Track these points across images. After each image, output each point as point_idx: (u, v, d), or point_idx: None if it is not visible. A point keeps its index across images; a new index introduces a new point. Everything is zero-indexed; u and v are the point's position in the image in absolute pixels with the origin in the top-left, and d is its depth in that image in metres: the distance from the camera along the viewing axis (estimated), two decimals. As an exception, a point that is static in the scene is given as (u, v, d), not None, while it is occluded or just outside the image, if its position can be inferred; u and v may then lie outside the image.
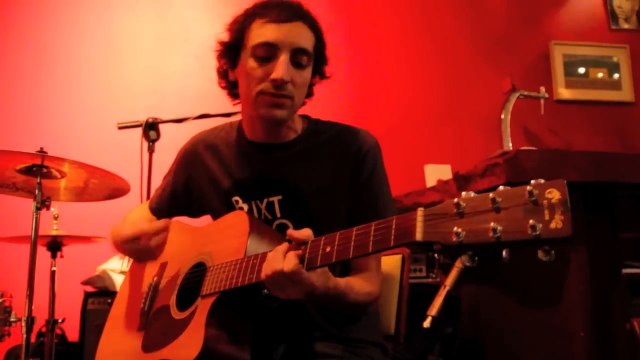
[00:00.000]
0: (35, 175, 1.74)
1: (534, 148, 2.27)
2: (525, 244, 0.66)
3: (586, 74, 3.54)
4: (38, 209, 1.69)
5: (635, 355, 1.76)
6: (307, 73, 1.20)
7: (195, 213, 1.41)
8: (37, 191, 1.71)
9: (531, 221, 0.65)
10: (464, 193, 0.73)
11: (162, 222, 1.32)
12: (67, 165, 1.78)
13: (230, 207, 1.26)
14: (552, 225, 0.65)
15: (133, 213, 1.51)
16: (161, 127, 2.14)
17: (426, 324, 1.64)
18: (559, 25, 3.59)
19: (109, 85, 3.07)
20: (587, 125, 3.44)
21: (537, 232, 0.65)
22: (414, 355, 1.75)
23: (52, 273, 2.21)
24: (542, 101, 3.15)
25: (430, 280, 2.27)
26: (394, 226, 0.80)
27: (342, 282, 1.06)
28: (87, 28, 3.11)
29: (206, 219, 1.40)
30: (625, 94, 3.56)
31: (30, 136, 2.76)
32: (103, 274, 2.42)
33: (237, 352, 1.04)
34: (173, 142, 2.71)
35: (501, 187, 0.71)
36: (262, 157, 1.26)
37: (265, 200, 1.23)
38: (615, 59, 3.58)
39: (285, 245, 0.97)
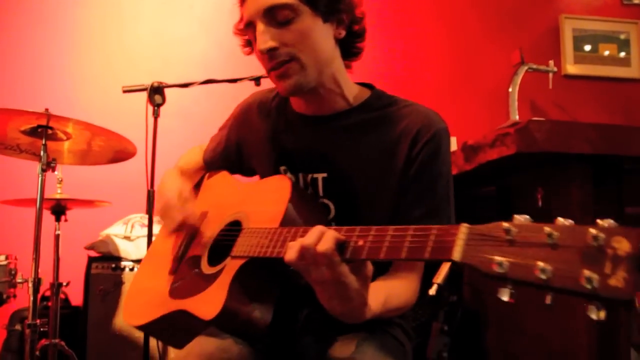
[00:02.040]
0: (40, 136, 1.73)
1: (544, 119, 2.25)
2: (574, 294, 0.58)
3: (595, 50, 3.49)
4: (43, 170, 1.68)
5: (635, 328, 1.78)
6: (299, 24, 1.05)
7: (246, 172, 1.36)
8: (42, 152, 1.69)
9: (587, 272, 0.56)
10: (517, 217, 0.65)
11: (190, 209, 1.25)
12: (71, 126, 1.76)
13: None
14: (612, 282, 0.55)
15: (186, 159, 1.45)
16: (166, 93, 2.12)
17: (432, 291, 1.64)
18: (570, -2, 3.53)
19: (112, 50, 3.03)
20: (593, 101, 3.41)
21: (592, 286, 0.56)
22: (418, 322, 1.76)
23: (57, 237, 2.20)
24: (550, 75, 3.11)
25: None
26: (432, 237, 0.73)
27: (380, 300, 0.95)
28: (90, -9, 3.06)
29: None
30: (633, 71, 3.52)
31: (34, 100, 2.72)
32: (107, 239, 2.42)
33: (258, 321, 1.01)
34: (178, 108, 2.72)
35: (561, 220, 0.61)
36: (308, 130, 1.17)
37: (309, 176, 1.15)
38: (625, 35, 3.53)
39: (323, 227, 0.86)
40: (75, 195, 2.23)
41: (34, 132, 1.76)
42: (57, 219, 2.22)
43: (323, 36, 1.08)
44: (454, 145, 2.92)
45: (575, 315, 1.71)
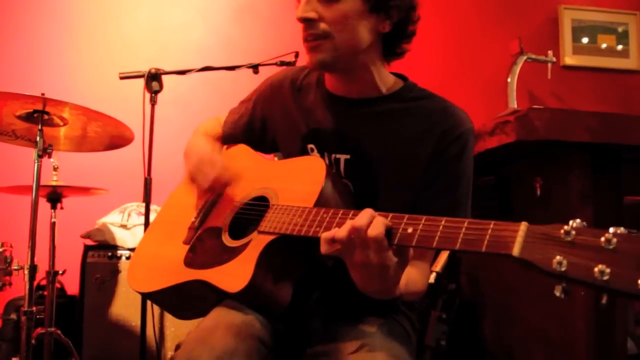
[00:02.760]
0: (36, 122, 1.71)
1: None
2: (631, 297, 0.63)
3: (594, 41, 3.48)
4: (40, 156, 1.66)
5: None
6: (344, 5, 1.05)
7: (267, 149, 1.35)
8: (38, 138, 1.67)
9: None
10: (573, 222, 0.69)
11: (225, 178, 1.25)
12: (68, 111, 1.73)
13: (305, 153, 1.20)
14: None
15: (207, 128, 1.41)
16: (163, 80, 2.09)
17: (431, 279, 1.64)
18: (570, -12, 3.52)
19: (109, 36, 3.00)
20: (591, 92, 3.40)
21: None
22: (417, 310, 1.76)
23: (52, 225, 2.19)
24: (549, 65, 3.10)
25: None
26: (490, 231, 0.75)
27: (403, 280, 0.97)
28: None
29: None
30: (632, 62, 3.51)
31: (30, 86, 2.69)
32: (103, 227, 2.41)
33: (279, 298, 1.02)
34: (175, 96, 2.70)
35: (619, 229, 0.66)
36: (336, 111, 1.18)
37: (333, 156, 1.16)
38: (624, 26, 3.52)
39: (373, 211, 0.88)
40: (71, 183, 2.21)
41: (29, 118, 1.74)
42: (53, 207, 2.20)
43: (364, 25, 1.08)
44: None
45: (573, 304, 1.72)
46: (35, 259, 1.76)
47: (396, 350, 1.02)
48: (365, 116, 1.15)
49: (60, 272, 2.17)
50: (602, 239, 0.65)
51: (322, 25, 1.06)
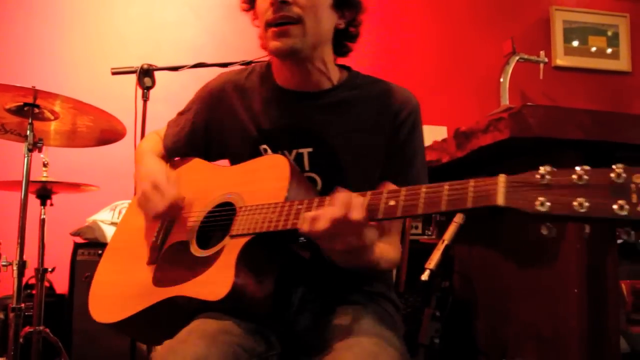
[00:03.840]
0: (27, 116, 1.68)
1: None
2: (610, 222, 0.69)
3: (585, 42, 3.51)
4: (30, 150, 1.63)
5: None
6: None
7: (212, 157, 1.32)
8: (28, 132, 1.64)
9: (620, 201, 0.68)
10: (542, 167, 0.75)
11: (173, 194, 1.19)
12: (59, 104, 1.71)
13: (257, 155, 1.18)
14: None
15: (149, 146, 1.38)
16: (156, 77, 2.07)
17: (424, 277, 1.64)
18: (561, -11, 3.55)
19: (102, 32, 2.99)
20: (582, 92, 3.44)
21: (625, 213, 0.68)
22: (411, 308, 1.75)
23: (42, 221, 2.16)
24: (541, 66, 3.13)
25: (426, 237, 2.28)
26: (471, 188, 0.79)
27: (377, 249, 1.00)
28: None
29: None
30: (622, 64, 3.55)
31: (22, 81, 2.66)
32: (93, 225, 2.38)
33: (263, 298, 1.01)
34: (167, 92, 2.67)
35: (584, 167, 0.72)
36: (292, 106, 1.19)
37: (294, 152, 1.16)
38: (614, 28, 3.56)
39: (349, 193, 0.89)
40: (61, 180, 2.18)
41: (20, 111, 1.72)
42: (43, 203, 2.17)
43: (328, 16, 1.14)
44: (444, 134, 2.92)
45: (565, 300, 1.72)
46: (24, 256, 1.73)
47: (383, 333, 1.02)
48: (323, 107, 1.18)
49: (50, 269, 2.14)
50: (574, 176, 0.71)
51: (296, 9, 1.08)
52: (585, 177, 0.71)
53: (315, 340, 1.05)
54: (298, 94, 1.19)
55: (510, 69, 3.03)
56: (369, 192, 0.89)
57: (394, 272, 1.39)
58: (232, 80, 1.27)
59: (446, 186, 0.82)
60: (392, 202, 0.85)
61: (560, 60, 3.45)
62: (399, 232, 1.19)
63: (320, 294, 1.12)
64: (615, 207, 0.68)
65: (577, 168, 0.72)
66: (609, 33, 3.55)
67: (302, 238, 0.95)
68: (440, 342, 1.73)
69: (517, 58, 3.04)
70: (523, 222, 0.77)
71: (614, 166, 0.70)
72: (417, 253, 1.73)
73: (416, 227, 2.27)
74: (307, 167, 1.16)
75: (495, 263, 2.10)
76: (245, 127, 1.21)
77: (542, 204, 0.72)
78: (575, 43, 3.49)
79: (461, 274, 2.29)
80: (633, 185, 0.68)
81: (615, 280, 1.77)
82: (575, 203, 0.70)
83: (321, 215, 0.87)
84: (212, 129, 1.29)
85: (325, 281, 1.12)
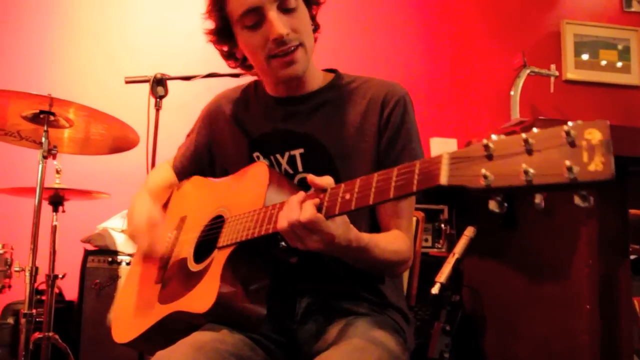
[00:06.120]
0: (42, 123, 1.70)
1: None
2: (560, 188, 0.61)
3: (596, 56, 3.51)
4: (45, 157, 1.65)
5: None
6: (302, 12, 1.14)
7: (217, 172, 1.36)
8: (44, 139, 1.67)
9: (568, 162, 0.60)
10: (493, 135, 0.68)
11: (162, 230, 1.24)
12: (73, 112, 1.73)
13: (251, 163, 1.21)
14: (591, 167, 0.59)
15: (154, 178, 1.43)
16: (168, 87, 2.09)
17: (435, 290, 1.63)
18: (572, 3, 3.55)
19: (114, 41, 3.01)
20: (593, 106, 3.42)
21: (574, 175, 0.60)
22: (420, 321, 1.74)
23: (54, 228, 2.17)
24: (552, 79, 3.12)
25: (435, 250, 2.27)
26: (417, 170, 0.76)
27: (365, 236, 1.01)
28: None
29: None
30: (633, 78, 3.54)
31: (37, 90, 2.71)
32: (104, 232, 2.39)
33: (253, 307, 1.02)
34: (179, 102, 2.69)
35: (535, 130, 0.65)
36: (282, 111, 1.22)
37: (286, 154, 1.19)
38: (625, 42, 3.55)
39: (301, 194, 0.92)
40: (73, 187, 2.20)
41: (35, 119, 1.74)
42: (55, 210, 2.19)
43: (311, 27, 1.18)
44: (454, 147, 2.92)
45: (577, 316, 1.71)
46: (35, 262, 1.74)
47: (377, 335, 1.03)
48: (310, 109, 1.21)
49: (60, 276, 2.15)
50: (520, 142, 0.64)
51: (293, 35, 1.11)
52: (532, 141, 0.64)
53: (316, 350, 1.06)
54: (287, 100, 1.22)
55: (521, 82, 3.03)
56: (329, 190, 0.89)
57: (405, 284, 1.38)
58: (226, 96, 1.34)
59: (395, 171, 0.80)
60: (347, 196, 0.85)
61: (571, 74, 3.45)
62: (405, 229, 1.16)
63: (325, 305, 1.12)
64: (563, 170, 0.60)
65: (523, 135, 0.65)
66: (620, 47, 3.54)
67: (282, 243, 0.96)
68: (450, 357, 1.72)
69: (527, 71, 3.04)
70: (477, 197, 0.68)
71: (570, 122, 0.63)
72: (426, 266, 1.72)
73: (426, 240, 2.26)
74: (300, 169, 1.18)
75: (505, 277, 2.09)
76: (240, 136, 1.26)
77: (485, 178, 0.66)
78: (585, 57, 3.48)
79: (471, 288, 2.27)
80: (584, 142, 0.61)
81: (628, 296, 1.75)
82: (522, 171, 0.63)
83: (279, 217, 0.91)
84: (214, 144, 1.34)
85: (330, 292, 1.12)
